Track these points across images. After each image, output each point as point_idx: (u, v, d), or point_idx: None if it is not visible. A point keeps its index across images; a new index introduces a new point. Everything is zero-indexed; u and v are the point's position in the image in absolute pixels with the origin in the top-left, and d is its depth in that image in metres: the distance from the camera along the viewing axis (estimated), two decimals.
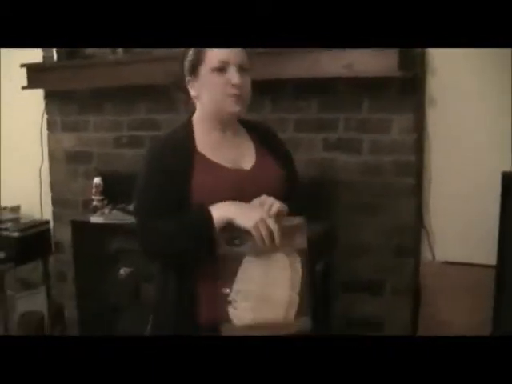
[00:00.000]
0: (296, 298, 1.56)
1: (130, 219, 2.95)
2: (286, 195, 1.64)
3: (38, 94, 3.56)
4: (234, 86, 1.57)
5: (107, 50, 3.23)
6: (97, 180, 3.19)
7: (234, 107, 1.60)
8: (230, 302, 1.53)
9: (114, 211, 3.04)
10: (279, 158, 1.72)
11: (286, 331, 1.54)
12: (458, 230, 2.62)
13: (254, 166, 1.67)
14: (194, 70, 1.63)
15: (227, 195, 1.56)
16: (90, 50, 3.32)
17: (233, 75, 1.57)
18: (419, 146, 2.66)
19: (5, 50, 3.51)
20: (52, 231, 3.58)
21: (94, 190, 3.18)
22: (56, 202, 3.63)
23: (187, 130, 1.67)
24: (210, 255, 1.53)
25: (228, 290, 1.52)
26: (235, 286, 1.53)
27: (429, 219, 2.69)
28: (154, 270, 1.81)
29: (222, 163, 1.63)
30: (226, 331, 1.52)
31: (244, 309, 1.53)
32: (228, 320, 1.53)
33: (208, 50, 1.60)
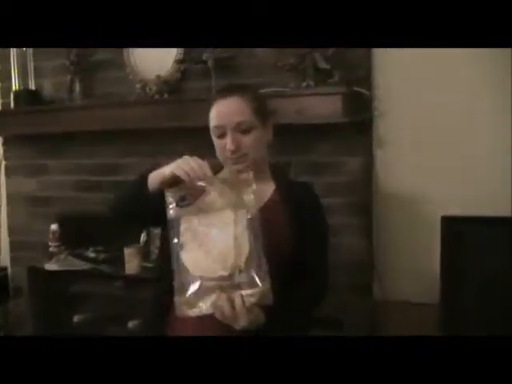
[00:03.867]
0: (242, 259, 1.43)
1: (85, 265, 2.98)
2: (288, 258, 1.63)
3: None
4: (229, 150, 1.61)
5: (65, 96, 3.28)
6: (54, 226, 3.19)
7: (234, 166, 1.64)
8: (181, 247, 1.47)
9: (70, 257, 3.05)
10: (295, 221, 1.67)
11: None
12: (406, 269, 2.69)
13: None
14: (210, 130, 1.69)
15: None
16: (48, 97, 3.37)
17: (228, 141, 1.61)
18: (369, 187, 2.74)
19: None
20: (10, 276, 3.57)
21: (50, 237, 3.18)
22: (14, 245, 3.63)
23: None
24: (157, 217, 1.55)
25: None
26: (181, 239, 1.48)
27: (380, 258, 2.75)
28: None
29: None
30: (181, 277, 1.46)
31: (192, 259, 1.46)
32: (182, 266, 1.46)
33: (210, 114, 1.66)
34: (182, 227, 1.49)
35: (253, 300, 1.43)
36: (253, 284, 1.43)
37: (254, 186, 1.49)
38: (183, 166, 1.51)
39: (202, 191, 1.50)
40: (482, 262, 2.17)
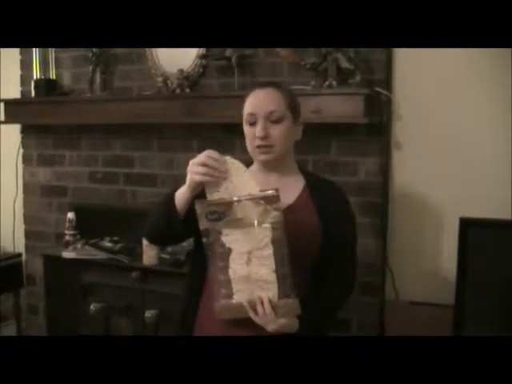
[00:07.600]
0: (273, 276, 1.50)
1: (101, 255, 3.01)
2: (318, 255, 1.69)
3: (15, 128, 3.62)
4: (258, 137, 1.66)
5: (84, 87, 3.31)
6: (70, 215, 3.22)
7: (261, 156, 1.69)
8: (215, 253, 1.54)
9: (87, 246, 3.08)
10: (326, 217, 1.71)
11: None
12: (419, 270, 2.72)
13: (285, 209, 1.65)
14: (242, 120, 1.73)
15: None
16: (67, 87, 3.41)
17: (258, 128, 1.66)
18: (385, 188, 2.76)
19: None
20: (24, 264, 3.60)
21: (67, 225, 3.21)
22: (29, 234, 3.66)
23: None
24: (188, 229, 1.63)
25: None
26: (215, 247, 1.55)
27: (393, 259, 2.77)
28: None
29: None
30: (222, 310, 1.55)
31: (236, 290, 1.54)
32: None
33: (246, 103, 1.71)
34: (212, 238, 1.55)
35: (282, 311, 1.51)
36: (281, 297, 1.51)
37: (280, 204, 1.52)
38: (196, 170, 1.55)
39: (229, 205, 1.54)
40: (500, 264, 2.19)
